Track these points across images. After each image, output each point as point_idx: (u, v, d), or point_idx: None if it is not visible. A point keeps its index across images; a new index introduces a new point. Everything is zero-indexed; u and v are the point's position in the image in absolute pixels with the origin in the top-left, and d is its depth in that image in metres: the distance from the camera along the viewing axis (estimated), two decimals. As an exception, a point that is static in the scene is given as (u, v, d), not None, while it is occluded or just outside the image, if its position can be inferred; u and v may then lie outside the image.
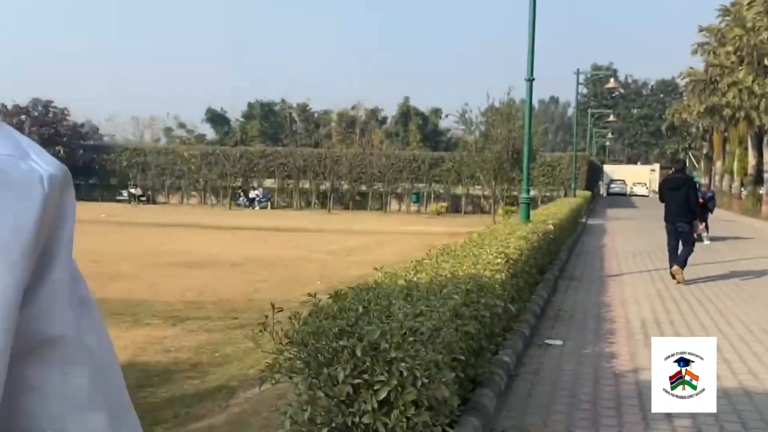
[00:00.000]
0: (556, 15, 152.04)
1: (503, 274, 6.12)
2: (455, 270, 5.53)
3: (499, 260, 6.47)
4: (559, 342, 7.55)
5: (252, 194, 44.69)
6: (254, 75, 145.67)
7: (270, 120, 62.97)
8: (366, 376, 3.09)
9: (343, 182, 44.47)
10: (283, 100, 64.53)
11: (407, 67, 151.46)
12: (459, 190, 43.75)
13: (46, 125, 44.04)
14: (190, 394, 6.33)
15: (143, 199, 44.19)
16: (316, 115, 64.11)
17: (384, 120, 63.49)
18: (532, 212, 14.05)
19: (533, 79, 13.31)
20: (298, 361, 3.22)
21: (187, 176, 45.79)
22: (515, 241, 8.38)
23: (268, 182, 45.79)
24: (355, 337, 3.19)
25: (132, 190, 44.66)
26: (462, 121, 34.15)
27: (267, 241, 21.71)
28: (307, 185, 45.22)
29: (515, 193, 31.00)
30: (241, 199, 44.52)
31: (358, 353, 3.10)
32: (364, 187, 44.64)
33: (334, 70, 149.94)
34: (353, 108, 63.19)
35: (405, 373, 3.12)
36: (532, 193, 20.51)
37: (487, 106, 31.91)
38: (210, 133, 65.09)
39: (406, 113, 60.76)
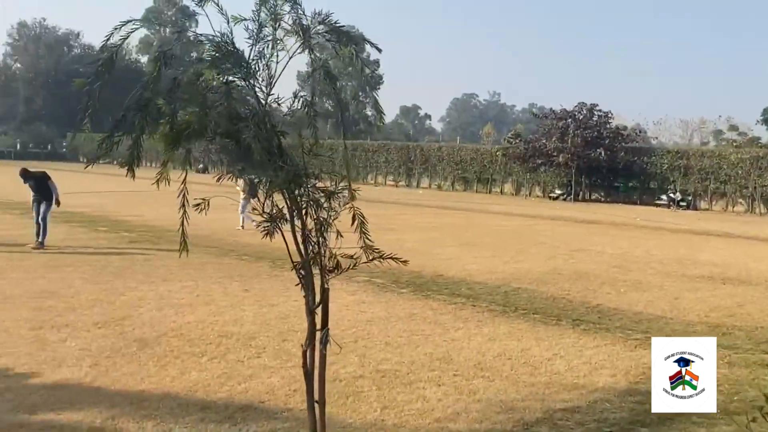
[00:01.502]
0: None
1: None
2: None
3: None
4: None
5: (812, 204, 38.62)
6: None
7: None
8: None
9: None
10: None
11: None
12: None
13: (589, 128, 45.50)
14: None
15: (683, 204, 42.06)
16: None
17: None
18: None
19: None
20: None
21: (734, 182, 41.95)
22: None
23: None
24: None
25: (672, 195, 42.90)
26: None
27: (825, 261, 18.09)
28: None
29: None
30: (798, 208, 38.90)
31: None
32: None
33: None
34: None
35: None
36: None
37: None
38: (765, 135, 58.81)
39: None
